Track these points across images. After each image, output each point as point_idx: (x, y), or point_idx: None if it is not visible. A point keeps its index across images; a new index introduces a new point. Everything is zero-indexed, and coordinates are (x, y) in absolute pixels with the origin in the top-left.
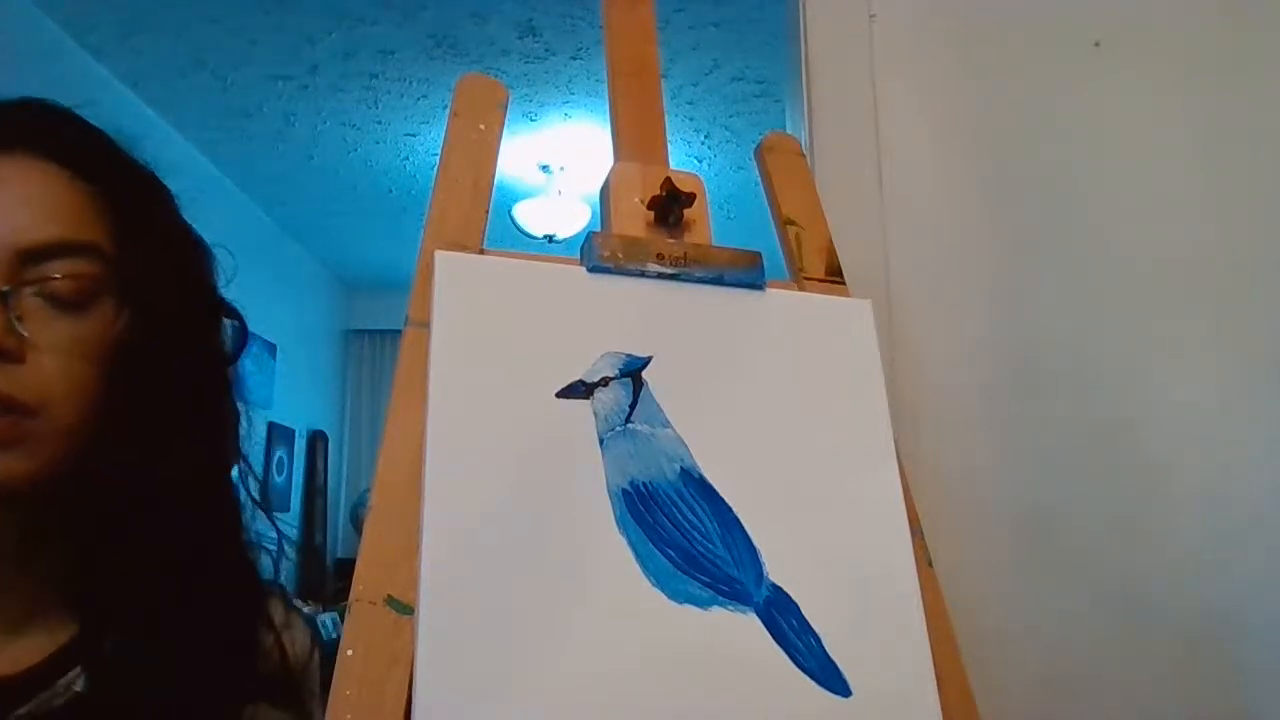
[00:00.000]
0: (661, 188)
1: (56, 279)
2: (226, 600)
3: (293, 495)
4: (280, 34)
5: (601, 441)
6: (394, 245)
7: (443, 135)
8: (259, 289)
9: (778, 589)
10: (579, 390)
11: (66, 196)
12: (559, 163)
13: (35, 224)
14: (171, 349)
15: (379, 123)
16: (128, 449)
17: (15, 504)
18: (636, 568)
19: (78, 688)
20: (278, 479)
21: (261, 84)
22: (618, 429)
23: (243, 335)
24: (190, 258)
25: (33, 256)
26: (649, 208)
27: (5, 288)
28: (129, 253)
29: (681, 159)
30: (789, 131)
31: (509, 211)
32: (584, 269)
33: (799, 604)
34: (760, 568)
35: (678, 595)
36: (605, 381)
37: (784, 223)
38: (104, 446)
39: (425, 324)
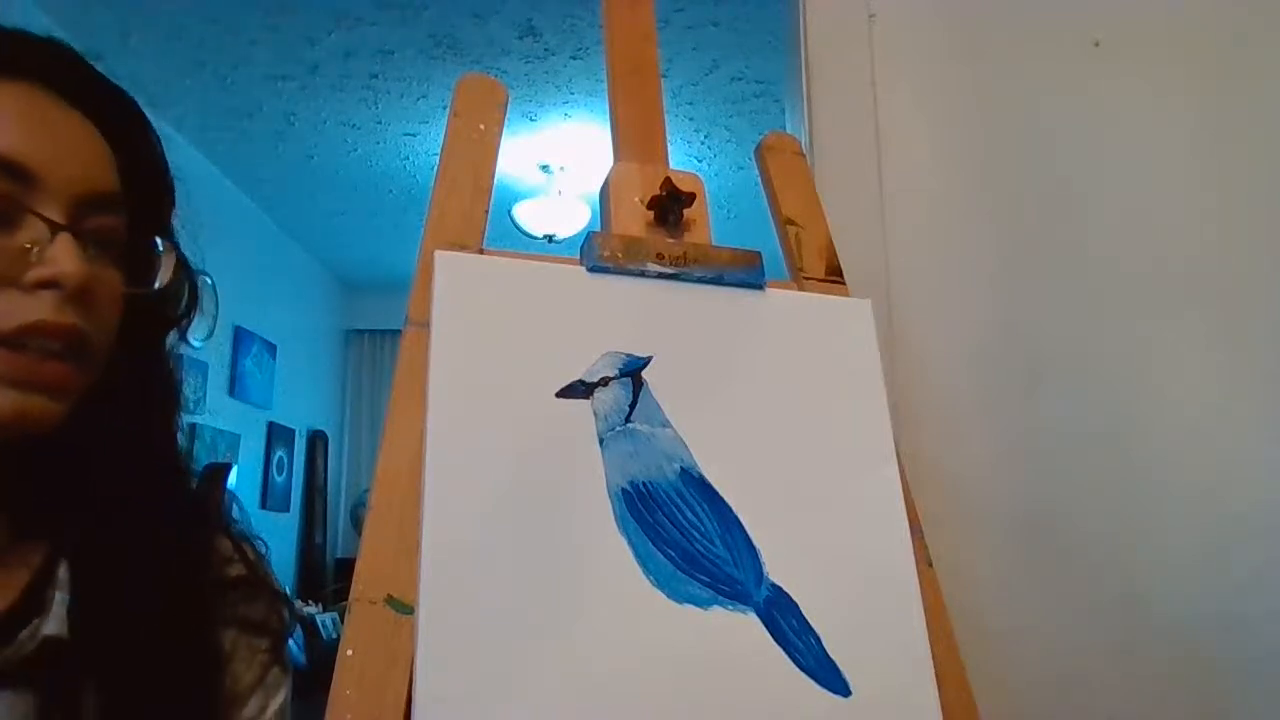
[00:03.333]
0: (661, 188)
1: (104, 228)
2: (179, 528)
3: (293, 495)
4: (280, 34)
5: (601, 441)
6: (394, 245)
7: (443, 135)
8: (259, 289)
9: (778, 589)
10: (579, 390)
11: (91, 138)
12: (559, 163)
13: (86, 171)
14: (162, 309)
15: (379, 123)
16: (123, 407)
17: (17, 443)
18: (636, 568)
19: (48, 630)
20: (278, 479)
21: (261, 84)
22: (618, 429)
23: (194, 292)
24: (172, 202)
25: (86, 204)
26: (649, 208)
27: (73, 227)
28: (138, 211)
29: (681, 159)
30: (789, 131)
31: (509, 211)
32: (584, 269)
33: (799, 604)
34: (760, 567)
35: (678, 595)
36: (605, 381)
37: (784, 223)
38: (105, 402)
39: (425, 324)
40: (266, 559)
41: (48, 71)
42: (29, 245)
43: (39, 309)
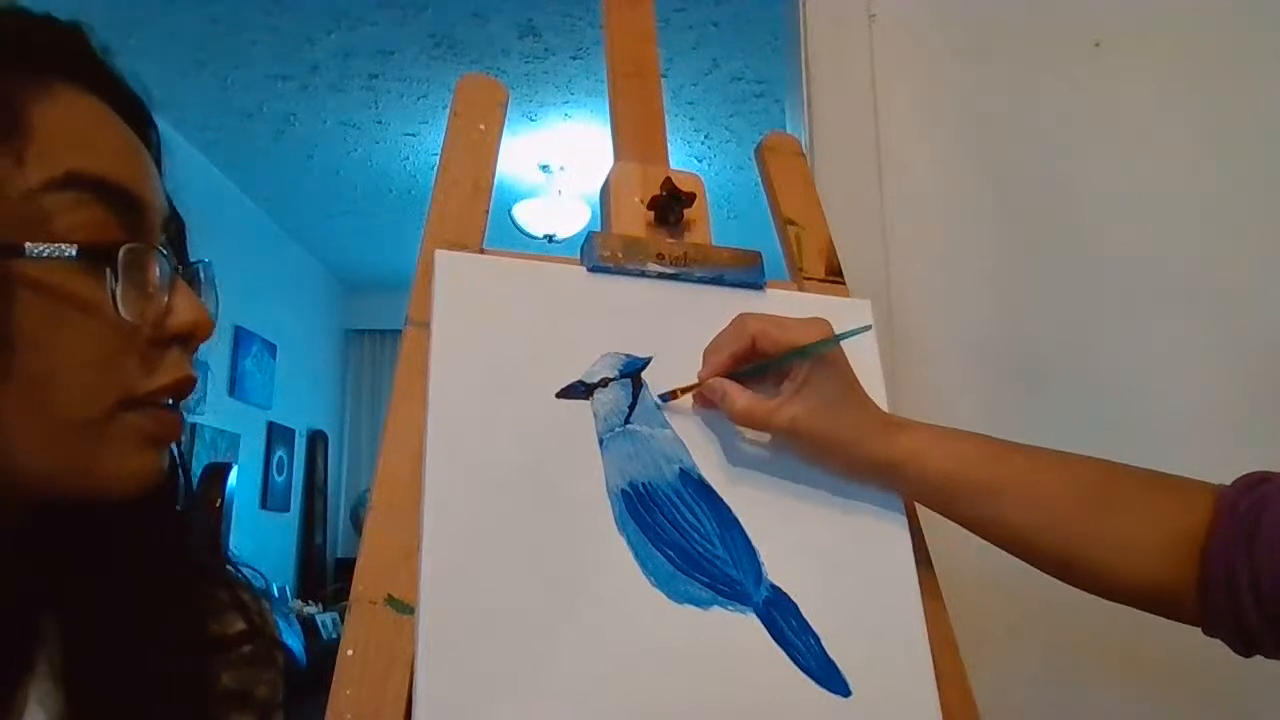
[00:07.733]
0: (661, 188)
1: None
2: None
3: (293, 495)
4: (280, 34)
5: (601, 442)
6: (394, 245)
7: (443, 135)
8: (259, 289)
9: (777, 589)
10: (579, 391)
11: (145, 154)
12: (559, 163)
13: (160, 197)
14: None
15: (379, 123)
16: None
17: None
18: (636, 568)
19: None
20: (278, 479)
21: (261, 84)
22: (617, 430)
23: None
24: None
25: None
26: (649, 208)
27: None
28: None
29: (681, 159)
30: (789, 131)
31: (509, 211)
32: (584, 269)
33: (798, 604)
34: (759, 568)
35: (677, 595)
36: (605, 382)
37: (784, 223)
38: None
39: (425, 324)
40: (266, 601)
41: (98, 80)
42: (151, 290)
43: (180, 363)
